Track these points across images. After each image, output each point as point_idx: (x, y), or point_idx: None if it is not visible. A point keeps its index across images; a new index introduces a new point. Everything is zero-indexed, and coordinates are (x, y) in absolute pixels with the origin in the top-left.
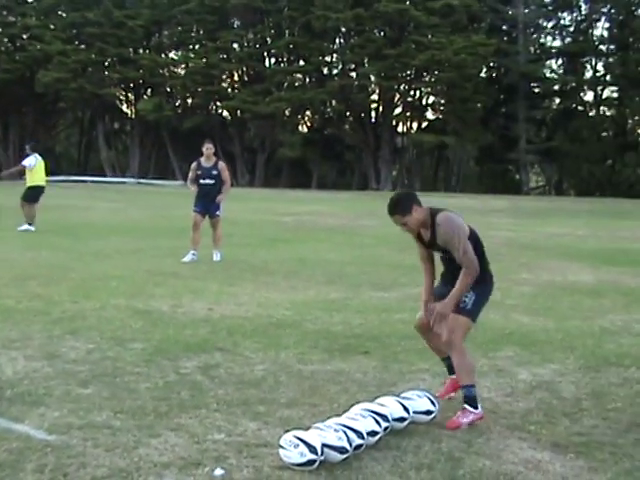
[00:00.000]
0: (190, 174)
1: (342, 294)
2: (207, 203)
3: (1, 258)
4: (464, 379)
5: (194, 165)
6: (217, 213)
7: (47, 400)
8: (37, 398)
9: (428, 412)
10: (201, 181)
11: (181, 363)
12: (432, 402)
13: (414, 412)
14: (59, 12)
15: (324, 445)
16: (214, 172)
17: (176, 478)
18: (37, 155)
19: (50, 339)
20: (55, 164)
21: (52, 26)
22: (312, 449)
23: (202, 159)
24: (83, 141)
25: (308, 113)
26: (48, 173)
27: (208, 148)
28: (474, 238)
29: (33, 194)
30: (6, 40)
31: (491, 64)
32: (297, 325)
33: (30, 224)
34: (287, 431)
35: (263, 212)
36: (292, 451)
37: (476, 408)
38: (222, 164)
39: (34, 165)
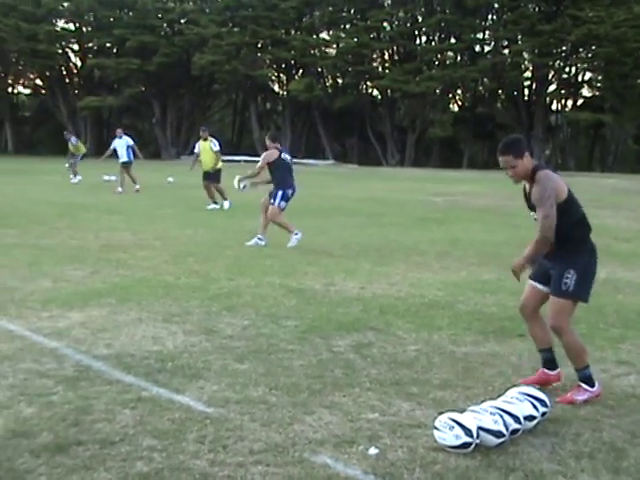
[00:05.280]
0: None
1: (495, 275)
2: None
3: (161, 236)
4: (576, 362)
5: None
6: (271, 201)
7: (206, 374)
8: (196, 371)
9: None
10: None
11: (334, 341)
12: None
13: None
14: None
15: (480, 428)
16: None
17: (331, 455)
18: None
19: (208, 315)
20: None
21: (207, 10)
22: (468, 432)
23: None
24: (236, 122)
25: (459, 92)
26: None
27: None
28: (573, 202)
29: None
30: (165, 25)
31: None
32: (450, 306)
33: (216, 202)
34: (441, 413)
35: (413, 192)
36: (447, 433)
37: (592, 386)
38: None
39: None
